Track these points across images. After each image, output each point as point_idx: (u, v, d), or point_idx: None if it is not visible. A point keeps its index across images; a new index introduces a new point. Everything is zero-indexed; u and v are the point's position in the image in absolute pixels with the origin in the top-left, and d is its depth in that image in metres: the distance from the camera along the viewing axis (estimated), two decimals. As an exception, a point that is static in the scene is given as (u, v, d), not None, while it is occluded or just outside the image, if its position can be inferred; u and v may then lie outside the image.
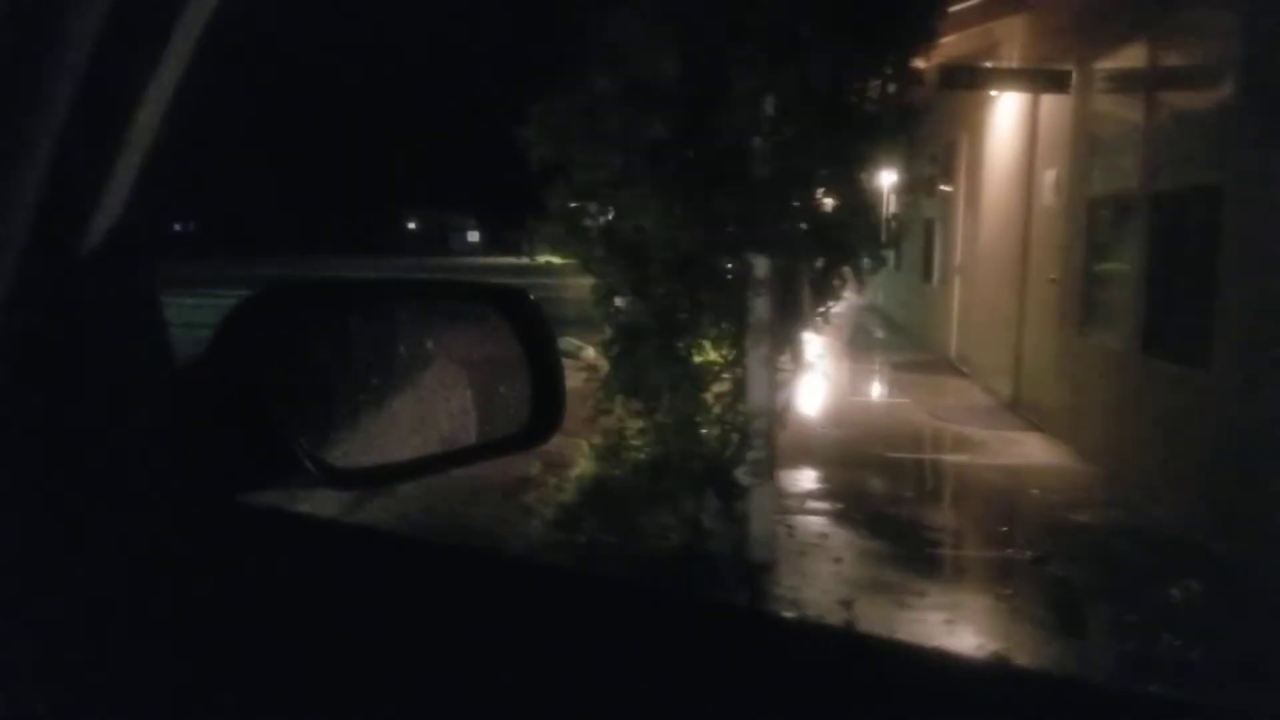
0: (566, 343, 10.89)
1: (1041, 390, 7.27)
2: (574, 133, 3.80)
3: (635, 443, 4.24)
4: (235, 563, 0.84)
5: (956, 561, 4.55)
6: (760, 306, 3.92)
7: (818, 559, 4.21)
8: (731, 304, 3.95)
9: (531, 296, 1.05)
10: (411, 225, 53.85)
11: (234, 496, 0.84)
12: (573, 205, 4.12)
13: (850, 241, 3.82)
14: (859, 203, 3.91)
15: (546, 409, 1.00)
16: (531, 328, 1.00)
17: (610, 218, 4.19)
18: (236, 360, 0.79)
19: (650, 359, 3.95)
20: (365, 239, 45.24)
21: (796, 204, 3.83)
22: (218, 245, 37.58)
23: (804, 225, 3.80)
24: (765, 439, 4.00)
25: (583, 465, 5.13)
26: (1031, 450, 6.49)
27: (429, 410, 1.10)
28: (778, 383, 4.07)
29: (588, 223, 4.21)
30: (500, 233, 47.39)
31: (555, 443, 1.17)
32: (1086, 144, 6.62)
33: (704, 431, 4.17)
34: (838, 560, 4.21)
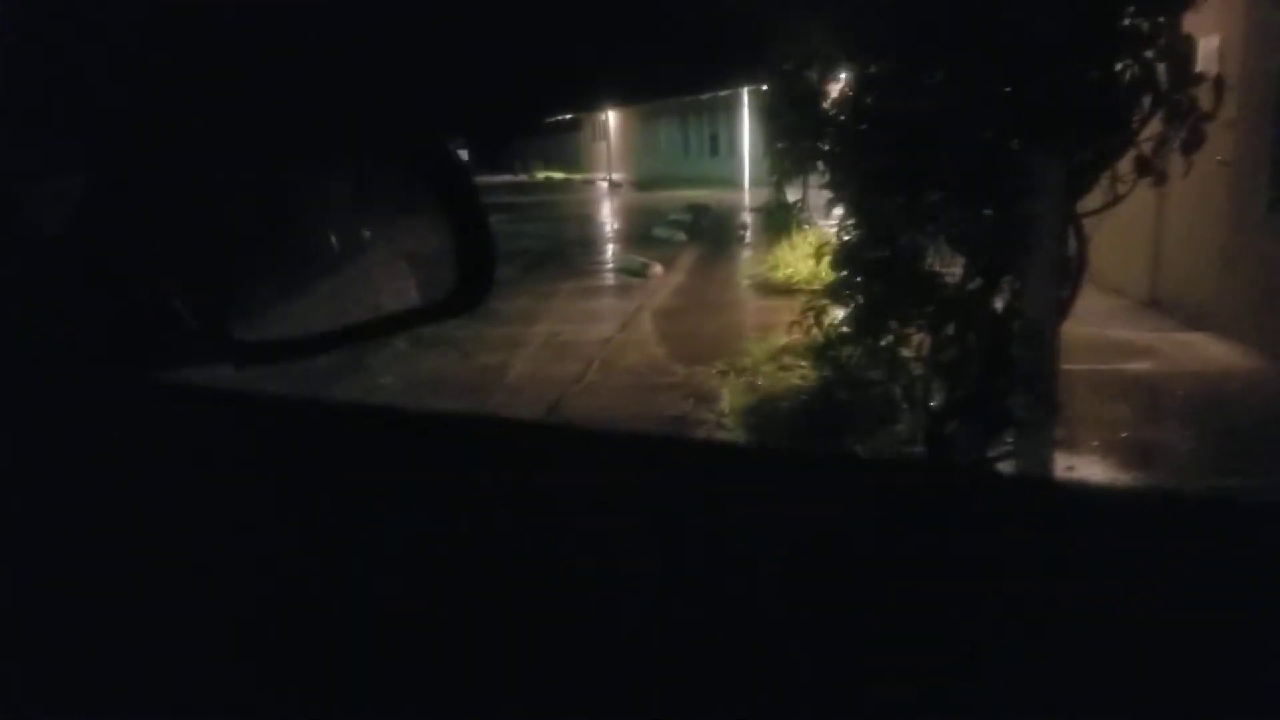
0: (627, 260, 10.17)
1: (1196, 286, 6.63)
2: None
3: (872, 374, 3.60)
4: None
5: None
6: (1044, 208, 3.19)
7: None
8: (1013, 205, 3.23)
9: (448, 145, 1.05)
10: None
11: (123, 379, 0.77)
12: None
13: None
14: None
15: (475, 271, 0.93)
16: (449, 180, 0.91)
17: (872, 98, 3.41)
18: (108, 227, 0.73)
19: (909, 279, 3.26)
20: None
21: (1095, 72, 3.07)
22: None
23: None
24: (1041, 366, 3.33)
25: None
26: (1213, 353, 5.85)
27: (343, 276, 1.02)
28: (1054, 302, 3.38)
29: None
30: (491, 151, 45.71)
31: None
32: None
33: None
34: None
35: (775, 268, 9.20)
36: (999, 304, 3.43)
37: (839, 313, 4.37)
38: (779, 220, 14.11)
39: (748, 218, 16.36)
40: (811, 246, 9.87)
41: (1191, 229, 6.72)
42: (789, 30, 3.45)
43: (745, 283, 9.25)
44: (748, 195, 21.85)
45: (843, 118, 3.32)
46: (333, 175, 1.05)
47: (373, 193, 1.09)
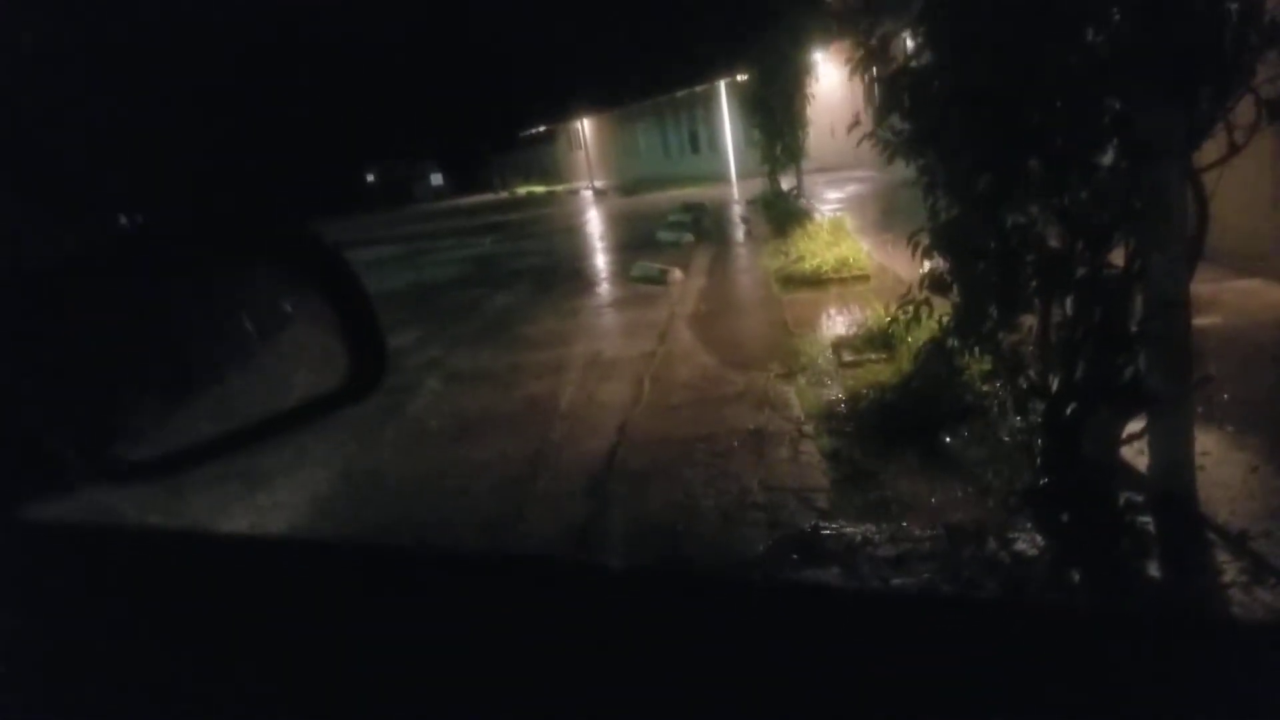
0: (644, 268, 9.94)
1: (1248, 233, 6.45)
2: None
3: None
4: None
5: None
6: (1168, 166, 2.98)
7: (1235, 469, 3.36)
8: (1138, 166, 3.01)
9: (321, 237, 0.92)
10: (370, 178, 51.54)
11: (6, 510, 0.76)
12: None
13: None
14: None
15: (367, 358, 0.93)
16: (330, 273, 0.90)
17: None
18: None
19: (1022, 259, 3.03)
20: (323, 201, 43.12)
21: None
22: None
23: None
24: (1176, 336, 3.11)
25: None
26: (1277, 298, 5.66)
27: (228, 382, 1.05)
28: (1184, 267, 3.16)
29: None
30: (467, 173, 45.34)
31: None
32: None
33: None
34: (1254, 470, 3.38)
35: (800, 259, 8.98)
36: (1116, 274, 3.22)
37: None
38: (781, 209, 13.94)
39: (746, 210, 16.16)
40: (834, 234, 9.70)
41: (1239, 174, 6.53)
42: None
43: (771, 278, 9.02)
44: (736, 188, 21.67)
45: (936, 87, 3.09)
46: (211, 281, 1.03)
47: (250, 293, 1.07)
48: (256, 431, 0.96)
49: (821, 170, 18.63)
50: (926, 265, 3.59)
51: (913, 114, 3.17)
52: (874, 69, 3.37)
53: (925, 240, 3.59)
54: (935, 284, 3.54)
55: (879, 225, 10.99)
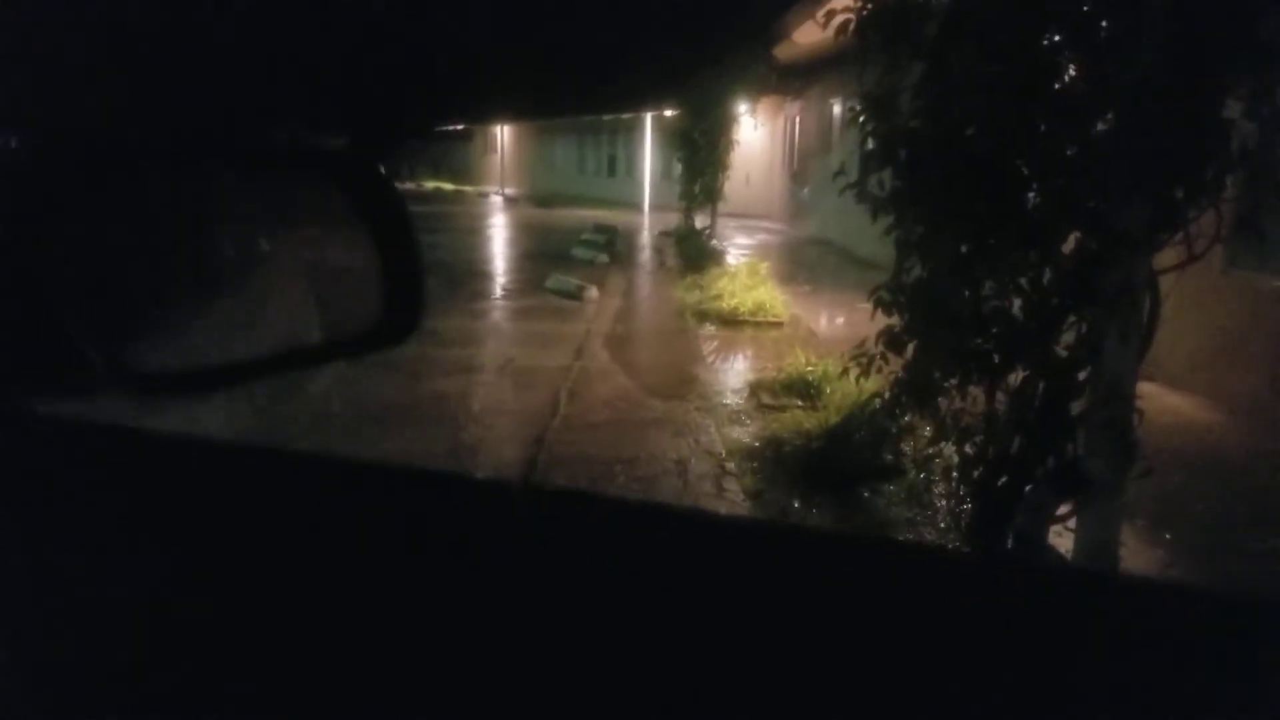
0: (561, 281, 9.80)
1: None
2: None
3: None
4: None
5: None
6: (1134, 258, 3.08)
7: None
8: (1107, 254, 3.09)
9: (380, 166, 0.88)
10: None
11: (17, 405, 0.74)
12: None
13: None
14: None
15: (403, 302, 0.88)
16: (381, 204, 0.86)
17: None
18: None
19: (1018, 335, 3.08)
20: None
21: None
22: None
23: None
24: (1123, 421, 3.21)
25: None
26: (1170, 403, 6.01)
27: (259, 303, 0.97)
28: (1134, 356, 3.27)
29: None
30: (376, 154, 43.96)
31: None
32: None
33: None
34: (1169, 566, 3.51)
35: (718, 296, 9.02)
36: (1064, 353, 3.30)
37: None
38: (694, 246, 14.07)
39: (659, 241, 16.24)
40: (751, 278, 9.80)
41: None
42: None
43: (687, 311, 9.02)
44: (648, 218, 21.79)
45: (933, 148, 3.12)
46: (244, 187, 0.97)
47: (284, 212, 1.02)
48: (281, 362, 0.93)
49: (733, 215, 18.93)
50: (877, 322, 3.61)
51: (908, 170, 3.18)
52: (870, 125, 3.37)
53: (885, 296, 3.62)
54: (891, 341, 3.56)
55: (791, 277, 11.20)
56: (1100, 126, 2.99)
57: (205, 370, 0.87)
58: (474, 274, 11.67)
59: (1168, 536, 3.77)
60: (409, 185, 35.10)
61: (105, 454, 0.91)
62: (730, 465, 4.59)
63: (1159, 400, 6.08)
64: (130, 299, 0.85)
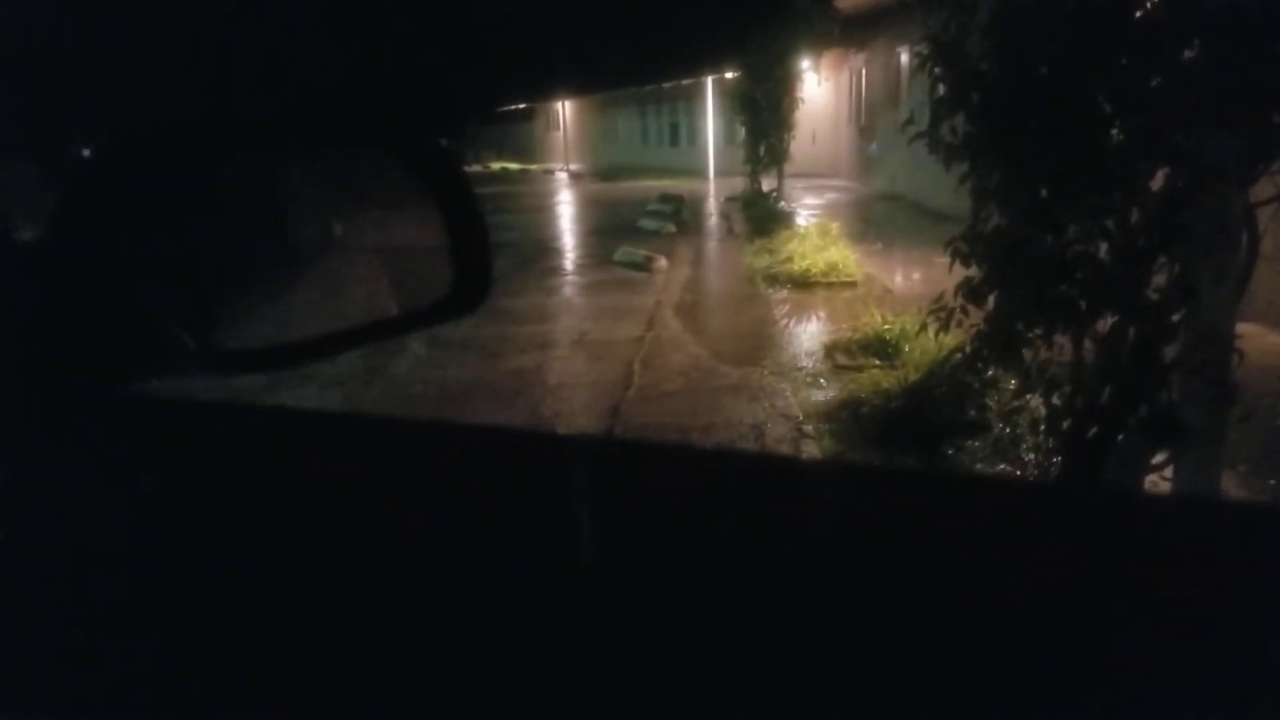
0: (629, 254, 9.79)
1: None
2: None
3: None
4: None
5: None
6: (1233, 199, 2.93)
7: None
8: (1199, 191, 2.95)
9: (442, 143, 0.93)
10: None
11: (107, 390, 0.77)
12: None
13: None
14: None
15: (473, 272, 0.91)
16: (445, 180, 0.89)
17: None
18: (88, 229, 0.69)
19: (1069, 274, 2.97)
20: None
21: None
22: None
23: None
24: (1222, 366, 3.07)
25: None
26: (1272, 345, 5.73)
27: (336, 281, 1.00)
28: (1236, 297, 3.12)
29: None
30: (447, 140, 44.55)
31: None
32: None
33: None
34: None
35: (789, 259, 8.90)
36: (1155, 296, 3.17)
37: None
38: (761, 209, 13.89)
39: (726, 207, 16.08)
40: (822, 239, 9.65)
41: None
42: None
43: (757, 276, 8.93)
44: (713, 185, 21.59)
45: (997, 95, 3.01)
46: (318, 168, 1.01)
47: (353, 188, 1.06)
48: (359, 334, 0.95)
49: (800, 176, 18.62)
50: (955, 275, 3.51)
51: (981, 115, 3.07)
52: (936, 69, 3.26)
53: (963, 247, 3.51)
54: (970, 293, 3.46)
55: (862, 235, 10.98)
56: (1187, 54, 2.84)
57: (288, 346, 0.91)
58: (543, 251, 11.75)
59: (1271, 483, 3.61)
60: (475, 168, 35.49)
61: (209, 431, 0.96)
62: (808, 428, 4.55)
63: (1260, 341, 5.80)
64: (216, 283, 0.89)
